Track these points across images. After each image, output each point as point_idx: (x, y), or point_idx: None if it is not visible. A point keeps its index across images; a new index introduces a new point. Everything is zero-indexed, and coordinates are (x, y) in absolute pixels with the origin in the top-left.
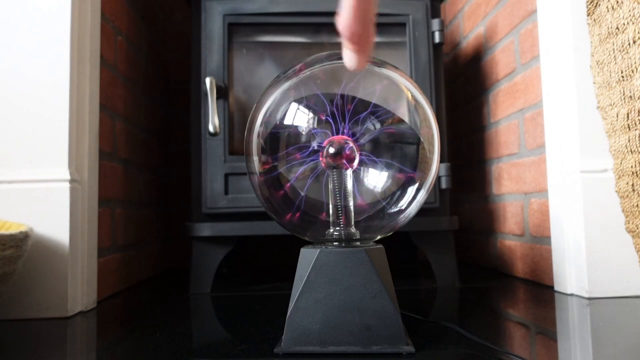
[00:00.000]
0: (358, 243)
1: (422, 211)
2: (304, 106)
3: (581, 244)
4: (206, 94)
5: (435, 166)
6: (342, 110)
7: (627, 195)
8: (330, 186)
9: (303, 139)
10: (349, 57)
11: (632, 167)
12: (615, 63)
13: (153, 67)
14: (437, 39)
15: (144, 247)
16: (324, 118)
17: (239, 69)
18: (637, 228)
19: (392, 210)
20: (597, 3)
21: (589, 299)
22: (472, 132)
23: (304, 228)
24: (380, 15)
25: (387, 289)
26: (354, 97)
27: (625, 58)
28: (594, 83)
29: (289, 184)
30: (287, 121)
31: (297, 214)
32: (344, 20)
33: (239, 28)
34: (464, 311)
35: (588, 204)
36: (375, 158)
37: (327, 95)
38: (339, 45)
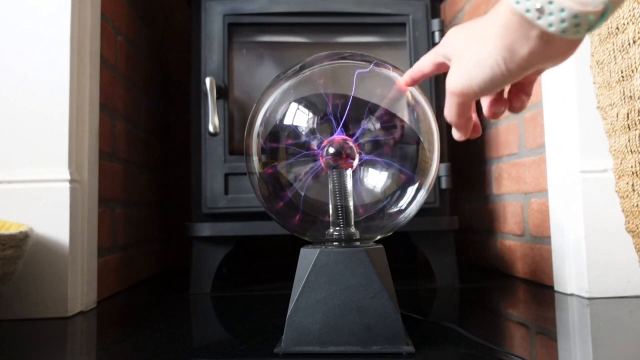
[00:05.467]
0: (358, 243)
1: (422, 211)
2: (303, 106)
3: (581, 244)
4: (206, 94)
5: (435, 166)
6: (342, 110)
7: (627, 195)
8: (330, 186)
9: (303, 138)
10: (454, 133)
11: (632, 167)
12: (615, 63)
13: (153, 67)
14: (437, 39)
15: (144, 247)
16: (323, 118)
17: (239, 69)
18: (637, 228)
19: (392, 210)
20: None
21: (589, 299)
22: None
23: (304, 228)
24: (380, 15)
25: (387, 289)
26: (354, 97)
27: (625, 58)
28: (594, 83)
29: (288, 184)
30: (287, 121)
31: (297, 214)
32: (448, 115)
33: (239, 28)
34: (464, 311)
35: (588, 204)
36: (375, 158)
37: (327, 95)
38: (339, 45)
